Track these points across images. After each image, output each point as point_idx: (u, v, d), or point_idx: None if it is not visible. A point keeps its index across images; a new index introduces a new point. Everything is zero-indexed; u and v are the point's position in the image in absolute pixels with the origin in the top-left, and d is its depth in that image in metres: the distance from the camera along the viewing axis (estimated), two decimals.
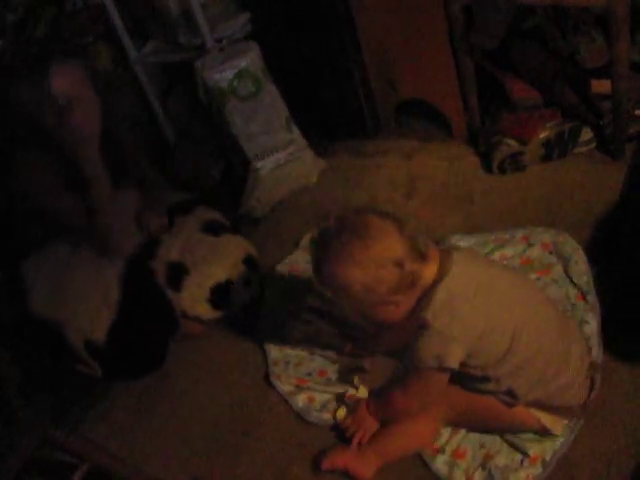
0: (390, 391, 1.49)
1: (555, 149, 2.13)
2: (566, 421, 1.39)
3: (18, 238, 2.07)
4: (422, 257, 1.28)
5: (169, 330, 1.97)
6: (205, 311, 1.95)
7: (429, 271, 1.29)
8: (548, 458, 1.38)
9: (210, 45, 2.35)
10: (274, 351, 1.84)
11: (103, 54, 2.65)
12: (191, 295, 1.92)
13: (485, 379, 1.33)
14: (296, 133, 2.45)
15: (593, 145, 2.14)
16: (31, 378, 1.90)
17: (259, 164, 2.41)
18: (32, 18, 2.47)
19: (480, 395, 1.37)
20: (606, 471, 1.34)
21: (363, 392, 1.61)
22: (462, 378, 1.37)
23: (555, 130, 2.12)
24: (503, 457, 1.42)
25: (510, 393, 1.33)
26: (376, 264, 1.24)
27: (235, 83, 2.28)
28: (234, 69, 2.27)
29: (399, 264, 1.24)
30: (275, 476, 1.58)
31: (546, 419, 1.37)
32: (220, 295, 1.94)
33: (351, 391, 1.63)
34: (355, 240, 1.25)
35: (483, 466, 1.41)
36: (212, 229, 2.05)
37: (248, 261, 2.02)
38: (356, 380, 1.65)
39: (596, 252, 1.74)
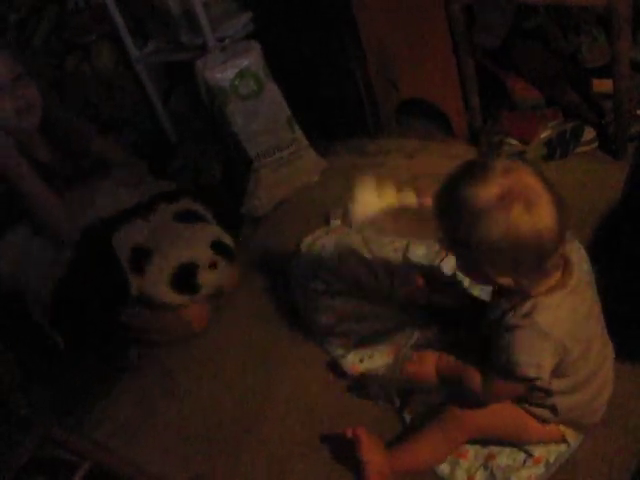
0: (471, 370, 1.32)
1: (557, 149, 2.13)
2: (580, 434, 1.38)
3: None
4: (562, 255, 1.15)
5: (119, 296, 1.91)
6: (168, 295, 1.89)
7: (554, 275, 1.17)
8: (552, 460, 1.38)
9: (211, 44, 2.35)
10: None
11: (105, 53, 2.66)
12: (153, 278, 1.88)
13: (544, 392, 1.27)
14: (297, 132, 2.46)
15: (595, 145, 2.13)
16: (32, 377, 1.90)
17: (260, 163, 2.41)
18: (34, 17, 2.48)
19: (513, 411, 1.33)
20: (608, 470, 1.34)
21: None
22: None
23: (557, 130, 2.12)
24: (505, 457, 1.41)
25: (553, 408, 1.29)
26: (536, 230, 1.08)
27: (236, 82, 2.28)
28: (235, 68, 2.27)
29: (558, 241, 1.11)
30: (277, 474, 1.57)
31: (568, 434, 1.35)
32: (183, 278, 1.89)
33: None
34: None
35: (485, 466, 1.41)
36: (187, 218, 2.02)
37: (216, 245, 1.96)
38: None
39: (597, 251, 1.74)
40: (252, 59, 2.30)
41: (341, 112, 2.59)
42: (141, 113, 2.82)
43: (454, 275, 1.76)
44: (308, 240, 2.15)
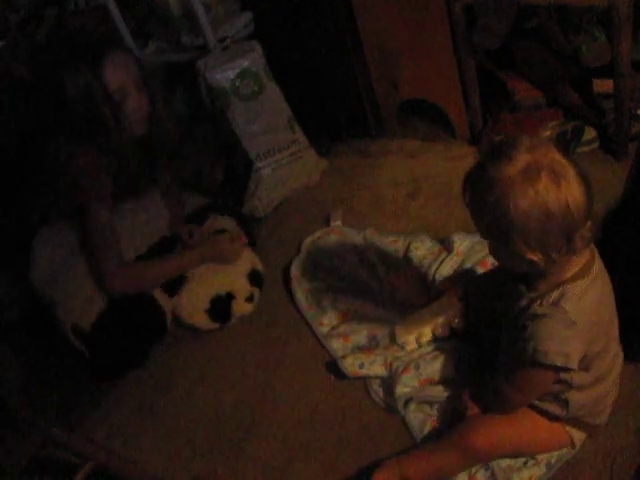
0: (496, 383, 1.34)
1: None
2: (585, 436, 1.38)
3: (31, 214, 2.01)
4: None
5: (154, 333, 1.95)
6: (202, 321, 1.94)
7: (582, 256, 1.17)
8: (553, 460, 1.38)
9: (212, 45, 2.35)
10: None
11: None
12: (189, 303, 1.92)
13: (565, 384, 1.26)
14: (298, 133, 2.46)
15: (596, 144, 2.13)
16: (33, 377, 1.90)
17: (261, 164, 2.41)
18: (35, 18, 2.48)
19: (518, 423, 1.33)
20: (609, 470, 1.34)
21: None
22: None
23: (557, 130, 2.12)
24: (506, 458, 1.41)
25: (564, 403, 1.28)
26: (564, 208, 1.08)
27: (237, 83, 2.28)
28: (236, 69, 2.27)
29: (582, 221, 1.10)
30: (277, 475, 1.58)
31: (575, 435, 1.35)
32: (219, 307, 1.93)
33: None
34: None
35: (486, 466, 1.41)
36: None
37: (252, 275, 2.00)
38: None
39: (598, 251, 1.74)
40: (253, 60, 2.30)
41: (342, 112, 2.59)
42: None
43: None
44: (309, 241, 2.15)
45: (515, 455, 1.40)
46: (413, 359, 1.62)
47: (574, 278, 1.17)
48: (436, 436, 1.47)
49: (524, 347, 1.19)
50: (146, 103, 1.78)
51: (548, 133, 2.12)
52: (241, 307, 1.97)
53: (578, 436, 1.35)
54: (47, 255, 1.90)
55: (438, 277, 1.82)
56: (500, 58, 2.30)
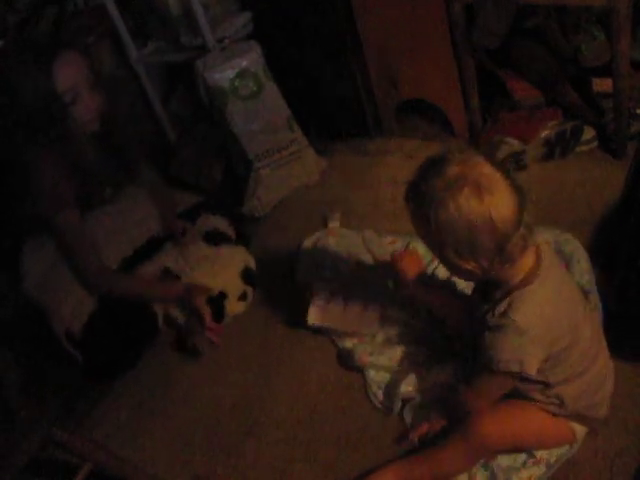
0: (464, 389, 1.39)
1: (556, 148, 2.13)
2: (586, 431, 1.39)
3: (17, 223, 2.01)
4: (525, 241, 1.16)
5: (146, 334, 1.95)
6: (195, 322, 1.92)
7: (525, 262, 1.19)
8: (553, 460, 1.38)
9: (211, 45, 2.35)
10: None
11: (104, 54, 2.65)
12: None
13: (542, 384, 1.28)
14: (297, 132, 2.45)
15: (595, 144, 2.13)
16: (33, 378, 1.90)
17: (260, 163, 2.41)
18: (34, 18, 2.48)
19: (525, 415, 1.34)
20: (609, 471, 1.34)
21: None
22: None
23: (556, 129, 2.12)
24: (506, 457, 1.41)
25: (559, 399, 1.30)
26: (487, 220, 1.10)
27: (236, 83, 2.28)
28: (235, 69, 2.27)
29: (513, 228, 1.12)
30: (277, 475, 1.58)
31: (578, 430, 1.36)
32: (212, 307, 1.91)
33: None
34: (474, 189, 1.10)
35: (485, 466, 1.41)
36: (213, 239, 2.05)
37: (245, 274, 2.00)
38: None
39: (597, 251, 1.74)
40: (252, 59, 2.30)
41: (341, 112, 2.58)
42: (141, 114, 2.81)
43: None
44: (307, 242, 2.15)
45: (520, 448, 1.40)
46: (424, 361, 1.63)
47: (522, 284, 1.19)
48: (435, 437, 1.47)
49: (483, 354, 1.23)
50: (99, 102, 1.76)
51: (547, 132, 2.12)
52: (234, 306, 1.97)
53: (580, 430, 1.36)
54: (35, 264, 1.91)
55: (436, 277, 1.82)
56: (499, 58, 2.30)
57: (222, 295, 1.94)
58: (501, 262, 1.15)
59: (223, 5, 2.48)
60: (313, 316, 1.81)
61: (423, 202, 1.14)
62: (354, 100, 2.51)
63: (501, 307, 1.20)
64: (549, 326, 1.19)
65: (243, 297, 1.99)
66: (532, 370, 1.20)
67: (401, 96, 2.45)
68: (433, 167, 1.17)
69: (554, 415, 1.33)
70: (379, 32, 2.29)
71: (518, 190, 1.12)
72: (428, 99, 2.40)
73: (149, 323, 1.92)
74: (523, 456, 1.40)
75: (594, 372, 1.31)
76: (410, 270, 1.62)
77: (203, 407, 1.80)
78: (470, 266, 1.16)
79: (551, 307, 1.19)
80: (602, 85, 2.08)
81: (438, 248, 1.18)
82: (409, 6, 2.15)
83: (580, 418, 1.34)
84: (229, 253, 2.04)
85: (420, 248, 1.93)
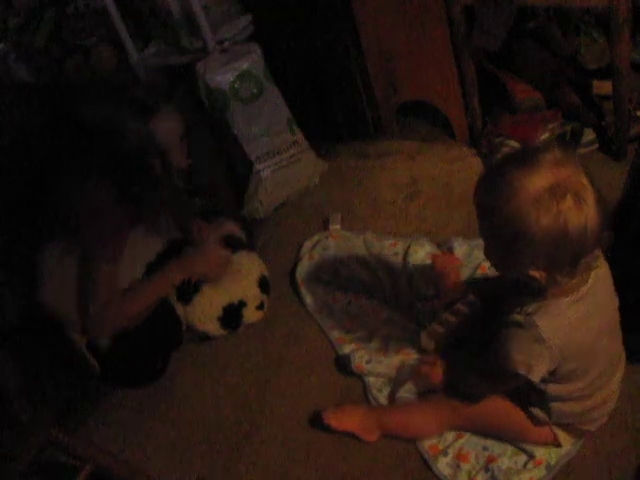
0: (468, 368, 1.41)
1: None
2: (576, 439, 1.39)
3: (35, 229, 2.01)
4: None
5: (172, 344, 1.96)
6: (213, 329, 1.94)
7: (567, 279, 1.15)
8: (553, 462, 1.38)
9: (212, 47, 2.35)
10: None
11: (105, 56, 2.66)
12: (202, 311, 1.91)
13: (539, 392, 1.29)
14: (298, 135, 2.46)
15: (595, 146, 2.13)
16: (34, 380, 1.90)
17: (261, 166, 2.41)
18: (34, 21, 2.48)
19: (503, 404, 1.37)
20: (609, 471, 1.34)
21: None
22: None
23: (557, 131, 2.12)
24: (506, 460, 1.41)
25: (547, 410, 1.31)
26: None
27: (237, 85, 2.28)
28: (236, 71, 2.27)
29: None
30: (277, 476, 1.58)
31: (562, 437, 1.36)
32: (231, 315, 1.93)
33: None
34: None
35: (486, 468, 1.41)
36: (230, 245, 2.03)
37: (262, 282, 2.00)
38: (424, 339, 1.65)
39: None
40: (252, 61, 2.30)
41: (341, 114, 2.58)
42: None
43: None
44: (308, 245, 2.15)
45: (501, 436, 1.43)
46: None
47: (556, 295, 1.17)
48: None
49: (497, 346, 1.23)
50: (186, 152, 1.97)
51: (547, 134, 2.12)
52: (252, 315, 1.97)
53: (564, 437, 1.36)
54: (55, 273, 1.86)
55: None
56: (499, 60, 2.30)
57: (242, 303, 1.94)
58: (568, 275, 1.13)
59: (223, 7, 2.48)
60: None
61: (513, 197, 1.07)
62: (355, 102, 2.51)
63: (530, 307, 1.18)
64: (566, 344, 1.17)
65: (261, 306, 1.99)
66: (536, 378, 1.20)
67: (401, 98, 2.46)
68: (525, 162, 1.09)
69: (537, 423, 1.35)
70: (379, 34, 2.29)
71: (604, 203, 1.09)
72: (428, 101, 2.40)
73: (176, 331, 1.93)
74: (524, 458, 1.40)
75: (595, 399, 1.31)
76: (452, 274, 1.62)
77: (203, 409, 1.80)
78: (538, 274, 1.12)
79: (575, 327, 1.18)
80: (602, 87, 2.08)
81: (512, 247, 1.11)
82: (409, 8, 2.16)
83: (566, 427, 1.35)
84: (247, 261, 2.03)
85: (420, 252, 1.94)
